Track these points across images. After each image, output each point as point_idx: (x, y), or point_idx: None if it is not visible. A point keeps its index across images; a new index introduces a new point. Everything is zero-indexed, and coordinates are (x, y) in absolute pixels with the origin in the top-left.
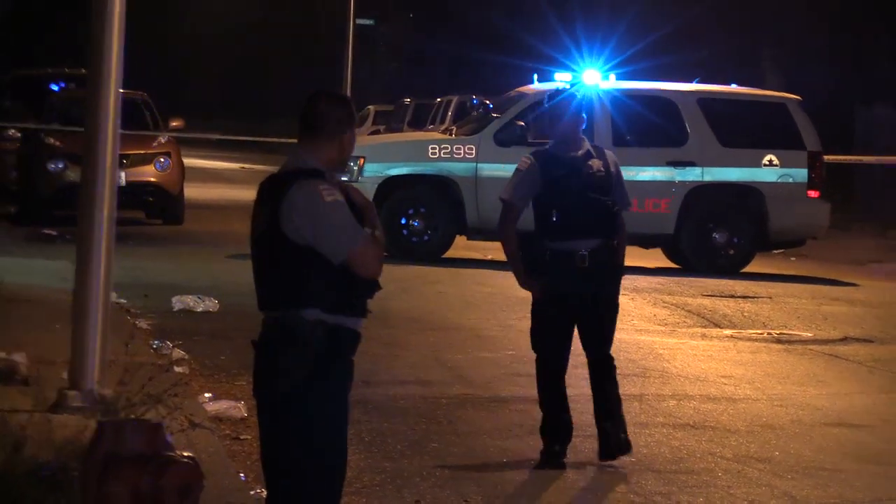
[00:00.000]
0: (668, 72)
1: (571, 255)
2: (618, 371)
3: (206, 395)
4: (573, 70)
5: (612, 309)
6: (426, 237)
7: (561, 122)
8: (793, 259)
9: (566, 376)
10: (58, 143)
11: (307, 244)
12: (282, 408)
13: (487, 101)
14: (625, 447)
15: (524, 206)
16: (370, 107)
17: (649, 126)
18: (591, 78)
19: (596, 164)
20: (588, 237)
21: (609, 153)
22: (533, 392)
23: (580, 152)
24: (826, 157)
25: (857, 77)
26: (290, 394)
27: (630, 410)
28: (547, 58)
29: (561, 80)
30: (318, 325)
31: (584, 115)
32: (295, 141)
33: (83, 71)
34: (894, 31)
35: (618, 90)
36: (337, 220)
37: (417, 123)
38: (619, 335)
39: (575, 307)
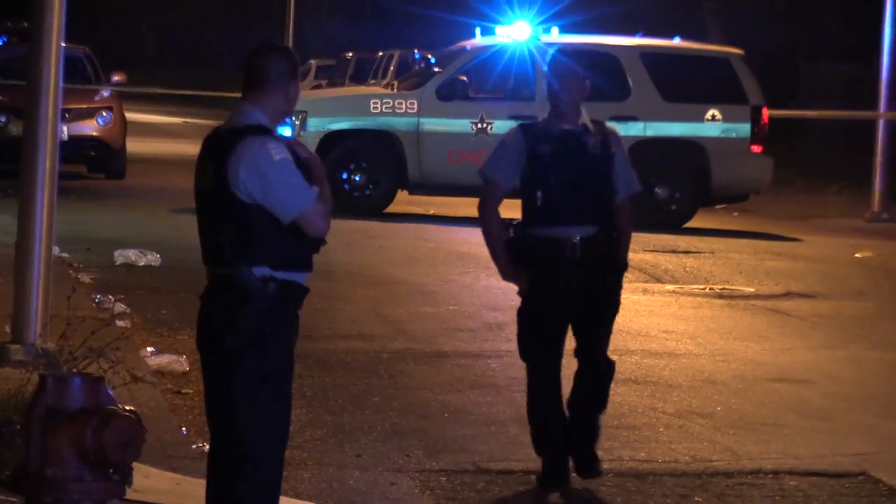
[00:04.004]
0: (610, 23)
1: (560, 244)
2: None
3: (148, 349)
4: (503, 23)
5: (611, 309)
6: (368, 192)
7: (553, 88)
8: (735, 214)
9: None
10: (0, 98)
11: (255, 202)
12: (230, 362)
13: (429, 56)
14: (596, 471)
15: (508, 185)
16: (312, 61)
17: (592, 80)
18: (521, 32)
19: (593, 141)
20: (579, 224)
21: (612, 129)
22: (473, 346)
23: (575, 127)
24: (769, 112)
25: (801, 32)
26: (240, 348)
27: (571, 366)
28: (478, 12)
29: (503, 34)
30: (268, 281)
31: (584, 81)
32: (237, 95)
33: (26, 25)
34: None
35: (559, 44)
36: (286, 179)
37: (359, 78)
38: None
39: (566, 305)
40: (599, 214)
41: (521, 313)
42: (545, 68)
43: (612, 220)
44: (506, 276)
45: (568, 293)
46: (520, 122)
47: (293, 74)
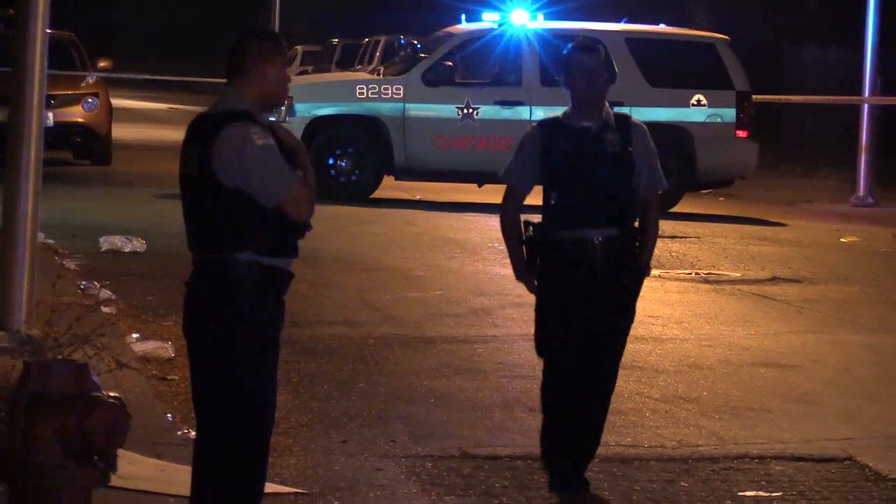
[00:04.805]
0: (596, 11)
1: (580, 245)
2: None
3: (134, 335)
4: (501, 10)
5: (627, 315)
6: (354, 177)
7: (572, 80)
8: (721, 199)
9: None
10: None
11: (238, 187)
12: (214, 349)
13: (415, 42)
14: (576, 486)
15: (526, 187)
16: (298, 47)
17: None
18: (519, 18)
19: (612, 138)
20: (596, 227)
21: (637, 125)
22: (460, 332)
23: (595, 122)
24: (754, 97)
25: (787, 18)
26: (224, 335)
27: None
28: None
29: (489, 19)
30: (253, 267)
31: (604, 73)
32: (222, 81)
33: (11, 11)
34: None
35: (546, 30)
36: (268, 164)
37: (345, 63)
38: None
39: (582, 307)
40: (619, 216)
41: (537, 310)
42: (537, 52)
43: (632, 221)
44: (518, 276)
45: (584, 295)
46: (502, 106)
47: (271, 59)
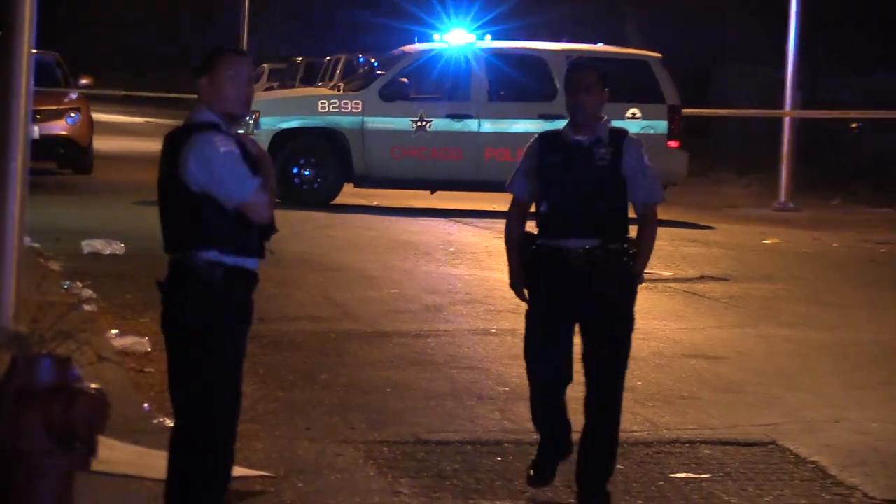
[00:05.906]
0: (538, 30)
1: (564, 253)
2: (494, 309)
3: (113, 331)
4: (441, 31)
5: (620, 324)
6: (316, 185)
7: (567, 98)
8: None
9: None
10: None
11: (203, 190)
12: (182, 345)
13: (373, 60)
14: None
15: (528, 196)
16: (265, 65)
17: (522, 82)
18: (458, 38)
19: (602, 152)
20: (584, 236)
21: (632, 139)
22: (413, 327)
23: (588, 135)
24: (684, 111)
25: (714, 36)
26: (190, 331)
27: (504, 345)
28: (420, 19)
29: (440, 39)
30: (216, 266)
31: (597, 90)
32: (195, 96)
33: None
34: None
35: (493, 49)
36: (229, 168)
37: (308, 80)
38: (491, 274)
39: (573, 317)
40: (603, 227)
41: (526, 316)
42: (484, 69)
43: (625, 232)
44: (511, 284)
45: (570, 303)
46: (453, 119)
47: (214, 70)
